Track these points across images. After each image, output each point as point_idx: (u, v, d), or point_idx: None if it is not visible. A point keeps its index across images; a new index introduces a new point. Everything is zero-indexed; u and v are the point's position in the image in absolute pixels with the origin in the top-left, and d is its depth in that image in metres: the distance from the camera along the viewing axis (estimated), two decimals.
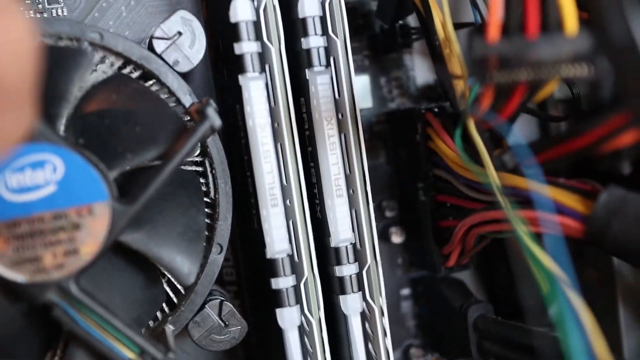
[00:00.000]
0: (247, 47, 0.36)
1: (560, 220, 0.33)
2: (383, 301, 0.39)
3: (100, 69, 0.35)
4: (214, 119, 0.33)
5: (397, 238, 0.45)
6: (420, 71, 0.46)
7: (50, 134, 0.30)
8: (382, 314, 0.39)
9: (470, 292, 0.43)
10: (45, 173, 0.30)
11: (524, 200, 0.34)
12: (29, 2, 0.39)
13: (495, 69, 0.27)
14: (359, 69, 0.45)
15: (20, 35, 0.22)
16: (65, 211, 0.30)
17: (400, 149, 0.44)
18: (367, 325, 0.39)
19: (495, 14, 0.28)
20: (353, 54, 0.44)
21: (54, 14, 0.40)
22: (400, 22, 0.44)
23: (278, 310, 0.37)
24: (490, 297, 0.47)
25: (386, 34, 0.45)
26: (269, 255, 0.36)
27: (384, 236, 0.45)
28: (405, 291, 0.47)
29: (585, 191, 0.33)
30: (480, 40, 0.28)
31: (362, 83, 0.44)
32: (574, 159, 0.31)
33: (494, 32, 0.28)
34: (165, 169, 0.32)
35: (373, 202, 0.44)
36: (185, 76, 0.38)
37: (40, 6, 0.39)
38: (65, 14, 0.40)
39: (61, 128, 0.32)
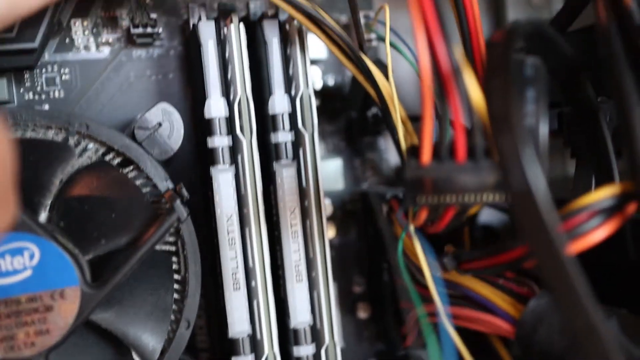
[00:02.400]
0: (218, 142, 0.39)
1: (494, 321, 0.35)
2: None
3: (86, 155, 0.39)
4: (181, 212, 0.36)
5: (363, 313, 0.48)
6: (394, 154, 0.49)
7: (31, 223, 0.34)
8: None
9: None
10: (24, 259, 0.33)
11: (463, 296, 0.36)
12: (28, 84, 0.43)
13: (427, 191, 0.30)
14: (335, 151, 0.48)
15: (1, 152, 0.25)
16: (39, 294, 0.34)
17: (370, 228, 0.47)
18: None
19: (428, 138, 0.30)
20: (329, 136, 0.47)
21: (51, 96, 0.43)
22: (372, 111, 0.46)
23: None
24: None
25: (360, 119, 0.48)
26: (230, 335, 0.39)
27: (351, 310, 0.48)
28: None
29: (521, 295, 0.35)
30: (415, 162, 0.30)
31: (334, 166, 0.47)
32: (504, 270, 0.33)
33: (426, 155, 0.30)
34: (134, 256, 0.35)
35: (344, 277, 0.47)
36: (168, 161, 0.42)
37: (38, 89, 0.43)
38: (62, 96, 0.43)
39: (43, 214, 0.36)
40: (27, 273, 0.33)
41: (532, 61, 0.32)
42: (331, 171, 0.47)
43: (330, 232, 0.47)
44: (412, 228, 0.35)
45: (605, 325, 0.27)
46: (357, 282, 0.48)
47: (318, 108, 0.47)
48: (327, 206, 0.47)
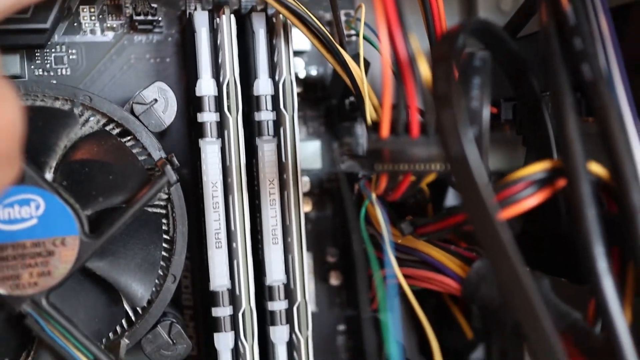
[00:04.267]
0: (207, 117, 0.44)
1: (444, 280, 0.40)
2: (309, 334, 0.46)
3: (89, 124, 0.43)
4: (170, 175, 0.41)
5: (335, 281, 0.52)
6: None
7: (37, 178, 0.38)
8: (307, 345, 0.46)
9: None
10: (30, 209, 0.38)
11: (419, 260, 0.41)
12: (39, 62, 0.47)
13: (384, 161, 0.35)
14: (315, 134, 0.53)
15: (10, 116, 0.30)
16: (43, 240, 0.38)
17: (343, 204, 0.52)
18: (294, 353, 0.46)
19: (387, 116, 0.35)
20: (310, 121, 0.52)
21: (59, 73, 0.48)
22: (350, 99, 0.51)
23: (215, 335, 0.44)
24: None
25: (339, 106, 0.52)
26: (211, 288, 0.44)
27: (324, 278, 0.53)
28: (341, 327, 0.54)
29: (468, 258, 0.40)
30: (375, 135, 0.35)
31: (313, 148, 0.52)
32: (453, 232, 0.38)
33: (385, 130, 0.35)
34: (127, 213, 0.40)
35: (319, 248, 0.52)
36: (162, 134, 0.46)
37: (48, 66, 0.48)
38: (68, 73, 0.48)
39: (49, 171, 0.40)
40: (33, 221, 0.38)
41: (481, 54, 0.36)
42: (310, 152, 0.51)
43: (307, 207, 0.52)
44: (374, 196, 0.40)
45: (533, 281, 0.31)
46: (331, 253, 0.53)
47: (301, 95, 0.52)
48: (306, 183, 0.51)
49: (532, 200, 0.34)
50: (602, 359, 0.33)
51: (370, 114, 0.44)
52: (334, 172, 0.53)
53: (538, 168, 0.34)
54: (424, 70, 0.34)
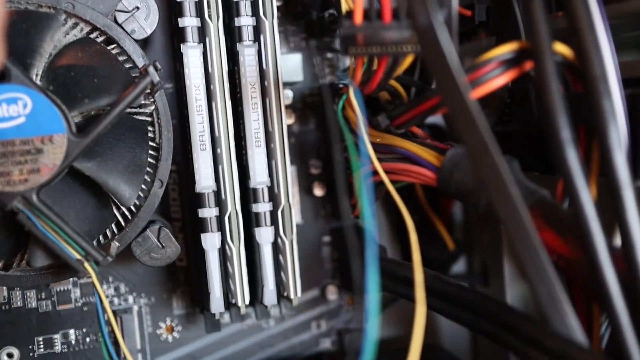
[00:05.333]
0: (188, 22, 0.45)
1: (420, 171, 0.41)
2: (294, 237, 0.48)
3: (72, 33, 0.44)
4: (154, 75, 0.42)
5: (318, 191, 0.54)
6: None
7: (23, 78, 0.39)
8: (292, 248, 0.48)
9: None
10: (18, 107, 0.39)
11: (398, 156, 0.43)
12: None
13: (358, 45, 0.36)
14: (296, 49, 0.54)
15: None
16: (31, 138, 0.39)
17: (325, 116, 0.53)
18: (280, 257, 0.48)
19: (360, 2, 0.36)
20: (291, 35, 0.53)
21: None
22: (330, 11, 0.52)
23: (202, 235, 0.46)
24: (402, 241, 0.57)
25: (319, 21, 0.53)
26: (197, 190, 0.45)
27: (309, 190, 0.54)
28: (326, 238, 0.55)
29: (442, 149, 0.41)
30: (349, 22, 0.36)
31: (294, 60, 0.53)
32: (426, 117, 0.40)
33: (358, 16, 0.36)
34: (112, 113, 0.41)
35: (302, 161, 0.53)
36: (144, 43, 0.47)
37: None
38: None
39: (36, 76, 0.41)
40: (21, 120, 0.39)
41: None
42: (292, 65, 0.52)
43: (290, 120, 0.53)
44: (351, 89, 0.41)
45: (501, 155, 0.33)
46: (314, 165, 0.54)
47: (281, 10, 0.53)
48: (288, 96, 0.53)
49: (501, 79, 0.36)
50: (568, 230, 0.35)
51: (345, 5, 0.45)
52: (316, 86, 0.54)
53: (506, 48, 0.36)
54: None
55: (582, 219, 0.33)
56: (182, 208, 0.52)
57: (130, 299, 0.52)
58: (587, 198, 0.33)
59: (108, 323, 0.44)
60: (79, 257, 0.41)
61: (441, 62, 0.32)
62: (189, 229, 0.52)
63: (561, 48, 0.35)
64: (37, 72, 0.42)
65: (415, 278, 0.34)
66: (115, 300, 0.52)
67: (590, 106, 0.33)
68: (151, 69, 0.42)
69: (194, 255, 0.51)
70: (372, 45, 0.36)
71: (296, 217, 0.52)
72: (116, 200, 0.44)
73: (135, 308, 0.52)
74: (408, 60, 0.38)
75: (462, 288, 0.40)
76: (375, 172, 0.44)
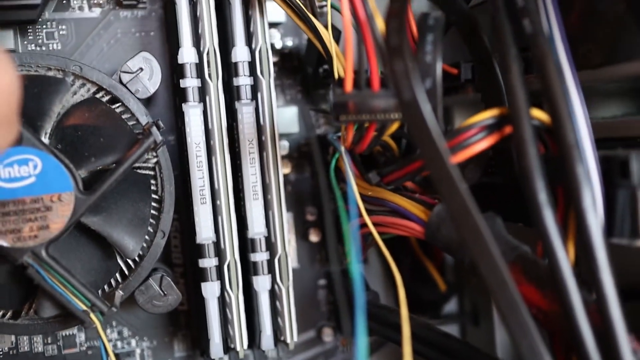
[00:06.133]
0: (189, 83, 0.47)
1: (409, 225, 0.43)
2: (290, 284, 0.50)
3: (79, 93, 0.47)
4: (156, 135, 0.44)
5: (314, 237, 0.56)
6: None
7: (34, 140, 0.42)
8: (289, 294, 0.50)
9: (364, 282, 0.54)
10: (29, 168, 0.42)
11: (388, 210, 0.45)
12: (31, 37, 0.51)
13: (349, 112, 0.38)
14: (292, 101, 0.56)
15: (7, 81, 0.33)
16: (41, 197, 0.42)
17: (319, 166, 0.56)
18: (277, 302, 0.50)
19: (349, 72, 0.39)
20: (288, 89, 0.56)
21: (51, 48, 0.51)
22: (324, 67, 0.55)
23: (203, 284, 0.48)
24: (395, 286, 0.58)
25: (314, 74, 0.56)
26: (197, 241, 0.48)
27: (305, 236, 0.56)
28: (322, 282, 0.57)
29: (430, 204, 0.44)
30: (340, 90, 0.39)
31: (291, 113, 0.55)
32: (414, 177, 0.42)
33: (348, 85, 0.39)
34: (118, 171, 0.44)
35: (298, 208, 0.55)
36: (148, 101, 0.50)
37: (40, 41, 0.51)
38: (59, 48, 0.51)
39: (44, 136, 0.44)
40: (32, 180, 0.42)
41: (434, 14, 0.40)
42: (288, 117, 0.55)
43: (287, 169, 0.55)
44: (342, 149, 0.43)
45: (480, 213, 0.35)
46: (310, 212, 0.56)
47: (278, 65, 0.56)
48: (285, 147, 0.55)
49: (482, 144, 0.38)
50: (547, 285, 0.37)
51: (338, 72, 0.47)
52: (309, 136, 0.57)
53: (488, 115, 0.38)
54: (381, 27, 0.38)
55: (558, 277, 0.35)
56: (183, 254, 0.54)
57: (133, 342, 0.54)
58: (563, 257, 0.35)
59: None
60: (85, 308, 0.43)
61: (424, 133, 0.34)
62: (190, 274, 0.54)
63: (538, 113, 0.38)
64: (46, 131, 0.44)
65: (402, 332, 0.36)
66: (119, 343, 0.54)
67: (565, 170, 0.35)
68: (154, 129, 0.44)
69: (195, 299, 0.53)
70: (362, 112, 0.38)
71: (293, 262, 0.55)
72: (120, 253, 0.46)
73: (138, 351, 0.54)
74: (396, 125, 0.40)
75: (449, 337, 0.42)
76: (365, 225, 0.47)
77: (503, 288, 0.35)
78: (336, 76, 0.45)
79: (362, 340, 0.37)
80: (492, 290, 0.35)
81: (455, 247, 0.41)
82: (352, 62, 0.38)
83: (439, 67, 0.39)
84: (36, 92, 0.44)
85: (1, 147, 0.34)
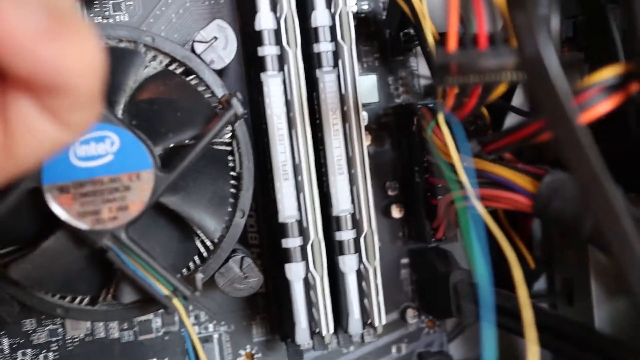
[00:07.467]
0: (268, 50, 0.44)
1: (514, 197, 0.40)
2: (377, 263, 0.47)
3: (152, 66, 0.44)
4: (238, 107, 0.41)
5: (397, 213, 0.53)
6: (423, 71, 0.53)
7: (111, 116, 0.39)
8: (376, 274, 0.47)
9: (454, 260, 0.51)
10: (106, 146, 0.39)
11: (488, 181, 0.41)
12: (98, 9, 0.48)
13: (453, 74, 0.35)
14: (370, 69, 0.53)
15: (92, 54, 0.30)
16: (119, 176, 0.39)
17: (402, 137, 0.52)
18: (363, 283, 0.47)
19: (453, 29, 0.35)
20: (365, 56, 0.52)
21: (118, 20, 0.49)
22: (405, 30, 0.51)
23: (286, 265, 0.45)
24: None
25: (393, 40, 0.52)
26: (280, 220, 0.45)
27: (386, 212, 0.53)
28: (404, 260, 0.54)
29: (536, 174, 0.40)
30: (442, 50, 0.35)
31: (370, 81, 0.52)
32: (523, 145, 0.38)
33: (452, 44, 0.35)
34: (198, 146, 0.41)
35: (378, 182, 0.52)
36: (220, 73, 0.47)
37: (107, 13, 0.48)
38: (126, 19, 0.49)
39: (119, 112, 0.41)
40: (109, 158, 0.39)
41: None
42: (367, 86, 0.51)
43: (366, 141, 0.52)
44: (441, 117, 0.40)
45: (613, 183, 0.31)
46: (391, 187, 0.53)
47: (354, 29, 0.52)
48: (364, 118, 0.52)
49: (605, 106, 0.34)
50: None
51: (429, 38, 0.44)
52: (390, 106, 0.53)
53: (610, 73, 0.34)
54: None
55: None
56: (259, 234, 0.52)
57: (211, 327, 0.52)
58: None
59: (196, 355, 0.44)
60: (167, 292, 0.41)
61: (551, 92, 0.30)
62: (268, 255, 0.51)
63: None
64: (121, 104, 0.42)
65: (523, 317, 0.33)
66: (196, 328, 0.51)
67: None
68: (234, 101, 0.41)
69: (273, 282, 0.51)
70: (469, 74, 0.34)
71: None
72: (201, 234, 0.43)
73: (216, 336, 0.52)
74: (502, 87, 0.36)
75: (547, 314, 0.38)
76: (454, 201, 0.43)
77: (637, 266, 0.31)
78: (427, 33, 0.41)
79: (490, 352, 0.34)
80: (625, 268, 0.32)
81: (570, 221, 0.37)
82: (456, 19, 0.35)
83: (556, 20, 0.35)
84: (110, 65, 0.41)
85: (83, 128, 0.32)
